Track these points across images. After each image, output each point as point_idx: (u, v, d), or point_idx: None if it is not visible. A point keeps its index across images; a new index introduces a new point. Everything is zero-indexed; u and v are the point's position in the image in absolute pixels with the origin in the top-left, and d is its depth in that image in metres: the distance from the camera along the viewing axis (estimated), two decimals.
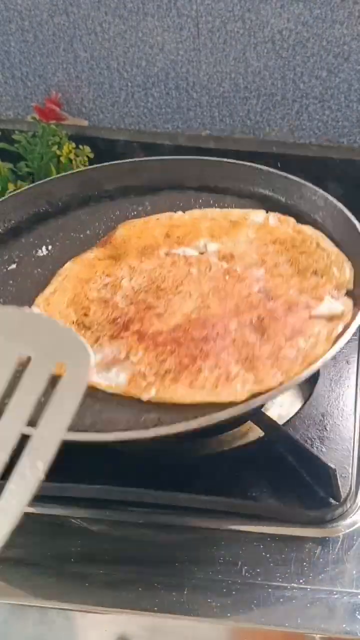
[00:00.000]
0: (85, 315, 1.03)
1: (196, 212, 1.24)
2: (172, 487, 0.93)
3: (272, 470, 0.93)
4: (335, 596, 0.84)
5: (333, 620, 0.82)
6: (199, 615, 0.83)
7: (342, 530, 0.91)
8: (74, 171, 1.36)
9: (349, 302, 0.98)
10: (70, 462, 0.83)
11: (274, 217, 1.19)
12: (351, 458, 0.98)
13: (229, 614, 0.83)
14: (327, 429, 1.01)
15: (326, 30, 1.48)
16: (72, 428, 0.84)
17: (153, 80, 1.64)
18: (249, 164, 1.28)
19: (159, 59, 1.60)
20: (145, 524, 0.93)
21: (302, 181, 1.22)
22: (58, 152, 1.82)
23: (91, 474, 0.97)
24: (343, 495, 0.93)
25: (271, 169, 1.26)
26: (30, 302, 1.08)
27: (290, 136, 1.65)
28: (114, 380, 0.93)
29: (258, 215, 1.20)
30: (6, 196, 1.27)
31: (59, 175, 1.37)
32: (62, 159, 1.85)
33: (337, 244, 1.10)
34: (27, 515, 0.93)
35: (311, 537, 0.91)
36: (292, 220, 1.17)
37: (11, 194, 1.27)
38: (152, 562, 0.89)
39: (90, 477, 0.96)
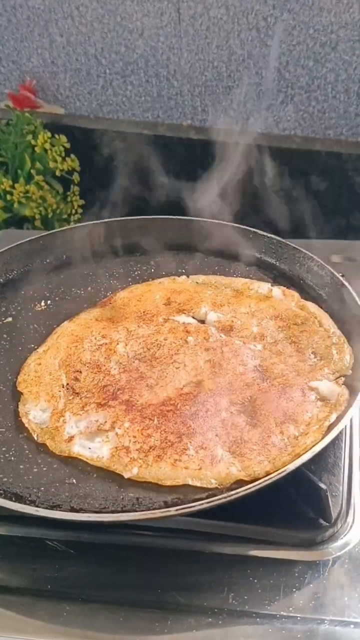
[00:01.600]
0: (76, 379, 1.00)
1: (200, 278, 1.21)
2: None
3: (260, 490, 0.88)
4: (327, 625, 0.80)
5: None
6: None
7: (332, 552, 0.87)
8: (81, 224, 1.33)
9: (344, 391, 0.95)
10: None
11: (278, 290, 1.15)
12: (342, 476, 0.93)
13: None
14: None
15: (313, 17, 1.43)
16: (48, 501, 0.83)
17: (132, 67, 1.58)
18: (259, 232, 1.25)
19: (138, 45, 1.54)
20: (126, 547, 0.88)
21: (310, 254, 1.19)
22: (33, 142, 1.75)
23: None
24: (334, 515, 0.88)
25: (281, 239, 1.24)
26: (22, 359, 1.06)
27: (275, 127, 1.60)
28: (96, 452, 0.90)
29: (262, 287, 1.17)
30: (11, 245, 1.24)
31: (65, 228, 1.35)
32: (37, 149, 1.79)
33: (341, 324, 1.07)
34: (1, 537, 0.90)
35: (301, 561, 0.86)
36: (296, 295, 1.14)
37: (16, 243, 1.25)
38: (134, 587, 0.84)
39: None
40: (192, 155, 1.65)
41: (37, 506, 0.83)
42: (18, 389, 1.01)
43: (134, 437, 0.90)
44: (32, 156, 1.70)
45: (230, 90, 1.56)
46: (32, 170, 1.74)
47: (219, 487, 0.84)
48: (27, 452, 0.92)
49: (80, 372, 1.01)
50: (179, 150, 1.64)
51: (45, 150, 1.68)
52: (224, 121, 1.61)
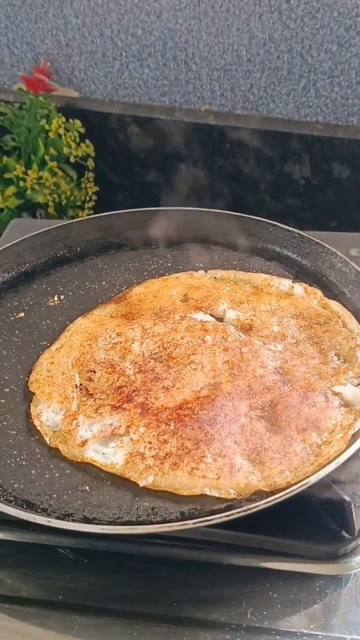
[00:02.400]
0: (90, 380, 0.96)
1: (219, 273, 1.17)
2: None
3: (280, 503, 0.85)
4: None
5: None
6: None
7: (355, 567, 0.83)
8: (96, 216, 1.29)
9: None
10: None
11: (299, 287, 1.11)
12: None
13: None
14: None
15: (338, 0, 1.38)
16: (60, 509, 0.79)
17: (149, 50, 1.53)
18: (280, 225, 1.21)
19: (156, 27, 1.50)
20: (140, 557, 0.85)
21: (334, 250, 1.14)
22: (47, 127, 1.71)
23: None
24: (357, 527, 0.85)
25: (303, 233, 1.19)
26: (34, 357, 1.03)
27: (296, 113, 1.55)
28: (110, 459, 0.87)
29: (283, 284, 1.12)
30: (24, 237, 1.21)
31: (79, 219, 1.32)
32: (50, 134, 1.74)
33: None
34: (10, 543, 0.88)
35: (322, 575, 0.83)
36: (319, 292, 1.10)
37: (29, 235, 1.21)
38: (148, 600, 0.81)
39: None
40: (210, 141, 1.61)
41: (48, 515, 0.80)
42: (30, 389, 0.98)
43: (150, 442, 0.86)
44: (45, 141, 1.66)
45: (250, 74, 1.51)
46: (45, 156, 1.70)
47: (238, 497, 0.81)
48: (39, 456, 0.88)
49: (94, 372, 0.97)
50: (197, 135, 1.60)
51: (60, 136, 1.64)
52: (243, 106, 1.57)
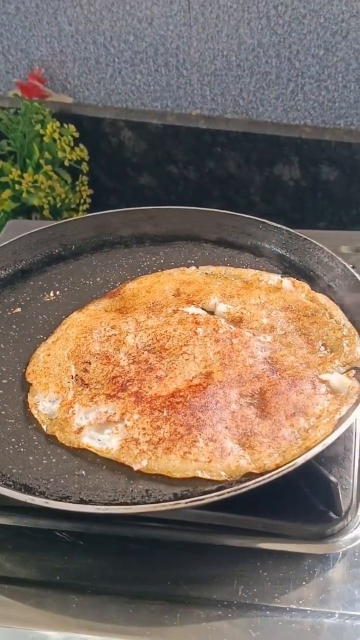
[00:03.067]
0: (85, 370, 1.00)
1: (210, 269, 1.20)
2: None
3: (269, 483, 0.88)
4: (337, 619, 0.80)
5: None
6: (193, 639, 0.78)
7: (342, 546, 0.86)
8: (90, 215, 1.32)
9: (355, 383, 0.94)
10: None
11: (288, 282, 1.14)
12: (352, 469, 0.93)
13: (225, 639, 0.78)
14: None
15: (324, 6, 1.42)
16: (57, 492, 0.83)
17: (141, 56, 1.57)
18: (269, 222, 1.24)
19: (147, 33, 1.53)
20: (135, 539, 0.88)
21: (321, 245, 1.18)
22: (42, 131, 1.75)
23: None
24: (344, 508, 0.88)
25: (291, 230, 1.22)
26: (31, 350, 1.06)
27: (285, 117, 1.59)
28: (105, 444, 0.90)
29: (272, 278, 1.16)
30: (21, 235, 1.24)
31: (74, 218, 1.37)
32: (45, 138, 1.78)
33: (351, 316, 1.06)
34: (8, 527, 0.90)
35: (311, 554, 0.86)
36: (306, 286, 1.13)
37: (25, 234, 1.25)
38: (143, 580, 0.84)
39: None
40: (201, 145, 1.64)
41: (46, 498, 0.83)
42: (27, 379, 1.01)
43: (144, 428, 0.90)
44: (40, 146, 1.69)
45: (239, 79, 1.54)
46: (40, 160, 1.73)
47: (229, 479, 0.84)
48: (36, 443, 0.91)
49: (90, 363, 1.01)
50: (188, 139, 1.63)
51: (54, 140, 1.67)
52: (233, 111, 1.60)
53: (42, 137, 1.67)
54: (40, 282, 1.20)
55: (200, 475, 0.85)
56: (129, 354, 1.01)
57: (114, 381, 0.97)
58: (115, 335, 1.04)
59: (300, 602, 0.81)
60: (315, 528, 0.88)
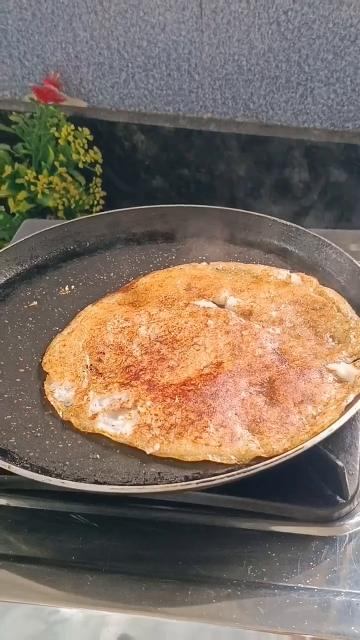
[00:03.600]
0: (99, 360, 1.03)
1: (220, 264, 1.24)
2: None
3: (278, 466, 0.91)
4: (343, 597, 0.82)
5: (342, 622, 0.80)
6: (204, 617, 0.81)
7: (349, 528, 0.89)
8: (104, 213, 1.36)
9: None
10: None
11: (296, 277, 1.17)
12: (358, 455, 0.95)
13: (234, 616, 0.81)
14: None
15: (333, 11, 1.45)
16: (72, 474, 0.86)
17: (154, 61, 1.60)
18: (279, 220, 1.27)
19: (160, 39, 1.56)
20: (147, 521, 0.91)
21: (329, 242, 1.21)
22: (56, 134, 1.79)
23: None
24: (351, 492, 0.90)
25: (300, 227, 1.26)
26: (47, 341, 1.09)
27: (294, 120, 1.62)
28: (119, 429, 0.93)
29: (281, 273, 1.19)
30: (37, 232, 1.27)
31: (88, 216, 1.37)
32: (60, 141, 1.82)
33: (358, 309, 1.10)
34: (26, 510, 0.93)
35: (318, 536, 0.89)
36: (315, 281, 1.16)
37: (42, 230, 1.28)
38: (155, 560, 0.87)
39: None
40: (212, 148, 1.67)
41: (62, 479, 0.86)
42: (43, 369, 1.04)
43: (156, 415, 0.93)
44: (55, 148, 1.73)
45: (250, 83, 1.58)
46: (55, 162, 1.77)
47: (238, 463, 0.87)
48: (52, 428, 0.94)
49: (104, 353, 1.04)
50: (200, 142, 1.66)
51: (69, 143, 1.71)
52: (244, 114, 1.63)
53: (57, 140, 1.71)
54: (55, 277, 1.24)
55: (210, 458, 0.87)
56: (142, 345, 1.04)
57: (127, 370, 1.00)
58: (128, 327, 1.07)
59: (308, 581, 0.84)
60: (323, 511, 0.90)
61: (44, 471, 0.88)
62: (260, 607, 0.82)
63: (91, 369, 1.02)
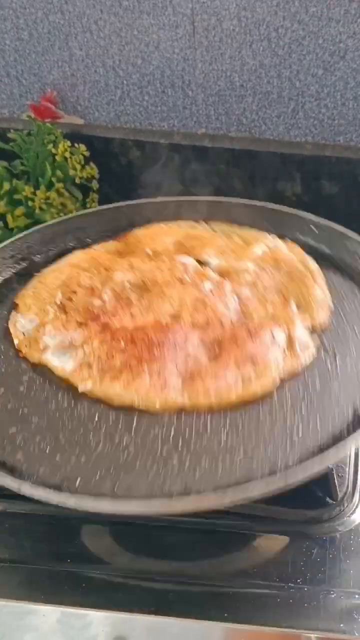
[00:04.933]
0: (70, 299, 1.05)
1: (217, 226, 1.24)
2: None
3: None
4: (332, 596, 0.84)
5: (330, 620, 0.82)
6: (196, 616, 0.83)
7: (339, 529, 0.91)
8: (105, 207, 1.35)
9: (311, 345, 0.98)
10: None
11: (283, 243, 1.19)
12: (348, 457, 0.97)
13: (226, 615, 0.83)
14: None
15: (322, 28, 1.48)
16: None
17: (149, 78, 1.63)
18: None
19: (154, 57, 1.59)
20: (141, 524, 0.93)
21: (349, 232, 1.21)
22: (53, 151, 1.81)
23: None
24: (340, 494, 0.92)
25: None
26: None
27: (286, 134, 1.65)
28: (62, 365, 0.96)
29: (271, 241, 1.20)
30: (35, 228, 1.26)
31: (89, 210, 1.38)
32: (57, 157, 1.85)
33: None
34: (21, 514, 0.95)
35: (309, 537, 0.91)
36: (300, 250, 1.17)
37: (39, 226, 1.27)
38: (150, 561, 0.89)
39: None
40: (207, 163, 1.70)
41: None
42: (15, 300, 1.09)
43: (99, 356, 0.95)
44: (52, 164, 1.76)
45: (242, 99, 1.61)
46: (52, 178, 1.80)
47: (161, 412, 0.88)
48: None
49: (76, 293, 1.06)
50: (194, 157, 1.69)
51: (65, 159, 1.74)
52: (237, 129, 1.66)
53: (54, 157, 1.74)
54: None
55: (135, 405, 0.89)
56: (114, 290, 1.06)
57: (89, 311, 1.02)
58: (106, 273, 1.09)
59: (299, 580, 0.86)
60: (313, 513, 0.93)
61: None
62: (251, 606, 0.84)
63: (59, 307, 1.04)
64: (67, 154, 1.85)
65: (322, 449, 0.84)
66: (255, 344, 0.95)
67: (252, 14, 1.48)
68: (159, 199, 1.35)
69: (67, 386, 0.93)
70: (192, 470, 0.82)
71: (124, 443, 0.86)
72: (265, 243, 1.19)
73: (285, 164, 1.64)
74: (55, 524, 0.94)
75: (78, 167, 1.84)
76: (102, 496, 0.79)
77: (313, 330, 1.01)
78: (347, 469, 0.96)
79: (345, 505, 0.93)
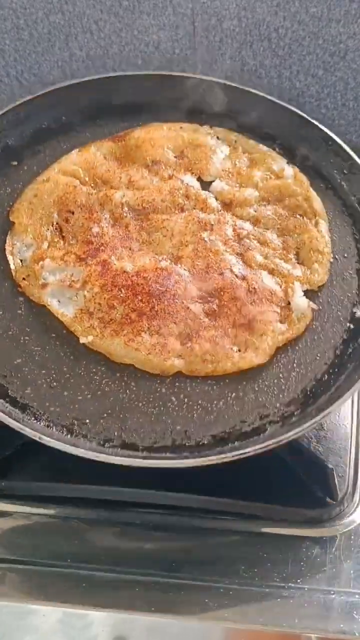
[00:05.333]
0: (67, 221, 1.02)
1: (223, 133, 1.16)
2: (169, 488, 0.92)
3: (269, 470, 0.92)
4: (332, 596, 0.84)
5: (330, 619, 0.82)
6: (196, 616, 0.83)
7: (339, 529, 0.91)
8: (78, 80, 1.21)
9: (309, 312, 0.97)
10: (67, 462, 0.84)
11: (290, 170, 1.12)
12: (348, 457, 0.97)
13: (226, 615, 0.83)
14: (325, 428, 1.00)
15: (322, 28, 1.48)
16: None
17: None
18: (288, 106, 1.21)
19: (155, 57, 1.59)
20: (142, 524, 0.93)
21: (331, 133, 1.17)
22: None
23: (89, 474, 0.96)
24: (340, 495, 0.92)
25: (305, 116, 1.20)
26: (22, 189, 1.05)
27: None
28: (63, 308, 0.94)
29: (278, 162, 1.13)
30: (6, 109, 1.12)
31: (60, 85, 1.19)
32: None
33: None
34: (23, 515, 0.95)
35: (309, 537, 0.91)
36: (306, 181, 1.11)
37: (9, 106, 1.12)
38: (149, 562, 0.89)
39: (88, 477, 0.95)
40: None
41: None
42: (10, 217, 1.04)
43: (99, 304, 0.94)
44: None
45: None
46: None
47: (160, 374, 0.90)
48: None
49: (73, 213, 1.03)
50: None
51: None
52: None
53: None
54: (35, 168, 1.11)
55: (136, 365, 0.90)
56: (112, 213, 1.02)
57: (88, 242, 0.99)
58: (104, 191, 1.04)
59: (299, 580, 0.86)
60: (313, 513, 0.92)
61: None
62: (251, 606, 0.84)
63: (56, 229, 1.01)
64: None
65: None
66: (253, 307, 0.94)
67: (252, 14, 1.47)
68: (137, 72, 1.26)
69: (65, 336, 0.93)
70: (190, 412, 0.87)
71: (126, 384, 0.89)
72: (272, 166, 1.12)
73: None
74: (55, 524, 0.94)
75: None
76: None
77: (311, 291, 0.99)
78: (347, 469, 0.96)
79: (346, 505, 0.93)
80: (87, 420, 0.86)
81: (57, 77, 1.67)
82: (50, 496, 0.92)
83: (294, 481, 0.94)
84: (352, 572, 0.87)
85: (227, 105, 1.21)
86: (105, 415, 0.86)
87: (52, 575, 0.88)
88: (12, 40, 1.61)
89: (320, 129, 1.19)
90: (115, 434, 0.85)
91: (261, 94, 1.25)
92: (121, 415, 0.86)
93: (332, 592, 0.85)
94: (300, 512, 0.92)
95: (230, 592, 0.85)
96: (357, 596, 0.84)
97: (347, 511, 0.93)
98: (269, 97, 1.25)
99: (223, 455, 0.82)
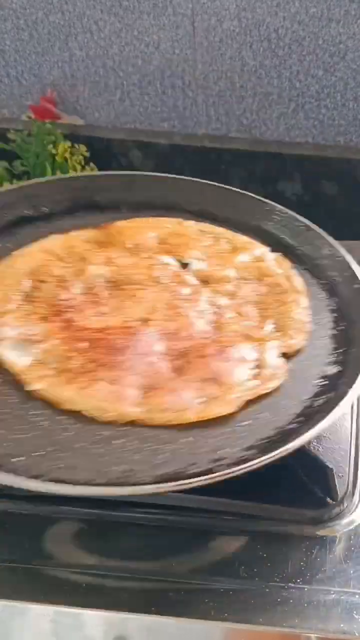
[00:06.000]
0: (37, 288, 0.99)
1: (207, 227, 1.17)
2: None
3: (269, 470, 0.92)
4: (333, 596, 0.84)
5: (330, 620, 0.82)
6: (196, 616, 0.82)
7: (339, 529, 0.91)
8: (63, 176, 1.30)
9: (281, 370, 0.93)
10: None
11: (272, 255, 1.12)
12: (348, 457, 0.97)
13: (225, 614, 0.82)
14: None
15: (322, 29, 1.48)
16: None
17: (149, 78, 1.63)
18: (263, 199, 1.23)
19: (154, 57, 1.59)
20: (139, 524, 0.92)
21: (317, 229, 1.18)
22: (53, 151, 1.81)
23: None
24: (340, 495, 0.92)
25: (279, 206, 1.22)
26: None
27: (287, 135, 1.65)
28: (18, 360, 0.89)
29: (259, 249, 1.14)
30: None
31: (45, 179, 1.28)
32: (57, 157, 1.85)
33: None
34: (16, 514, 0.95)
35: (309, 537, 0.90)
36: (288, 263, 1.11)
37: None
38: (148, 562, 0.89)
39: None
40: (207, 163, 1.70)
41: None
42: None
43: (57, 356, 0.89)
44: (52, 165, 1.76)
45: (243, 99, 1.61)
46: None
47: (116, 421, 0.84)
48: None
49: (45, 282, 1.00)
50: (194, 158, 1.69)
51: (66, 159, 1.74)
52: (237, 130, 1.66)
53: (54, 157, 1.74)
54: (8, 245, 1.10)
55: (85, 413, 0.84)
56: (85, 284, 1.00)
57: (55, 305, 0.96)
58: (81, 264, 1.03)
59: (299, 581, 0.86)
60: (313, 513, 0.92)
61: None
62: (251, 606, 0.83)
63: (27, 296, 0.97)
64: (67, 155, 1.85)
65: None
66: (223, 363, 0.90)
67: (252, 14, 1.48)
68: (119, 172, 1.30)
69: (18, 382, 0.87)
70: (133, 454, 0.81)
71: (64, 425, 0.83)
72: (253, 252, 1.13)
73: (285, 165, 1.64)
74: (55, 524, 0.94)
75: (78, 167, 1.84)
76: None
77: (286, 356, 0.96)
78: (347, 469, 0.96)
79: (346, 505, 0.93)
80: (21, 457, 0.81)
81: (57, 78, 1.68)
82: (49, 496, 0.91)
83: (293, 481, 0.93)
84: (352, 572, 0.86)
85: (208, 202, 1.23)
86: (42, 451, 0.81)
87: (46, 576, 0.88)
88: (12, 41, 1.61)
89: (297, 218, 1.20)
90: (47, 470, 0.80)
91: (246, 192, 1.27)
92: (59, 454, 0.81)
93: (332, 592, 0.84)
94: (300, 512, 0.92)
95: (230, 592, 0.84)
96: (357, 596, 0.84)
97: (347, 511, 0.93)
98: (251, 194, 1.26)
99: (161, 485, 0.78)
